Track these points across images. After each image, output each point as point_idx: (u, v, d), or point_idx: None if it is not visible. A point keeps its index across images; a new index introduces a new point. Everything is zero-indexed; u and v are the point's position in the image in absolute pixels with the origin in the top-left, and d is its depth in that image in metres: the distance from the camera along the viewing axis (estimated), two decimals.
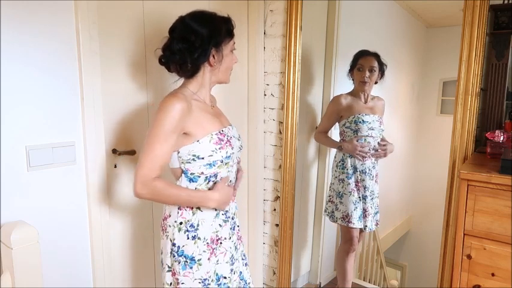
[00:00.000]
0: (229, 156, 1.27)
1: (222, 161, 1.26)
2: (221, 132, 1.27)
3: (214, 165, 1.25)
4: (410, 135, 2.51)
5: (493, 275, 1.33)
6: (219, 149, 1.24)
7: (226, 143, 1.26)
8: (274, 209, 2.22)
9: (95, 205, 1.44)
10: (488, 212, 1.31)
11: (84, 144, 1.39)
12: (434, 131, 2.38)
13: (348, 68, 2.21)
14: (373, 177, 2.19)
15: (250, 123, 2.15)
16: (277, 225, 2.20)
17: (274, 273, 2.27)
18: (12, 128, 1.22)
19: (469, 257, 1.37)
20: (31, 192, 1.28)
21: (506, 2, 1.68)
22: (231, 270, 1.34)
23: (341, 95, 2.21)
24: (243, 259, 1.45)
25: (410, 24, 2.43)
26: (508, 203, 1.27)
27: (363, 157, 2.14)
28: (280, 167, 2.13)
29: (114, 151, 1.55)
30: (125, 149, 1.58)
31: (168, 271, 1.29)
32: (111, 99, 1.50)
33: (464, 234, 1.37)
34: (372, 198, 2.20)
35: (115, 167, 1.56)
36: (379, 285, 2.69)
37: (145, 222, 1.71)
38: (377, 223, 2.26)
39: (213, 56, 1.26)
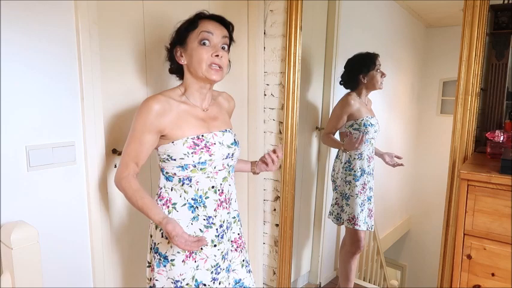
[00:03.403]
0: (204, 162, 1.25)
1: (194, 166, 1.24)
2: (199, 137, 1.25)
3: (186, 169, 1.25)
4: (410, 135, 2.50)
5: (493, 275, 1.33)
6: (192, 153, 1.23)
7: (202, 148, 1.24)
8: (274, 209, 2.21)
9: (95, 205, 1.44)
10: (488, 212, 1.31)
11: (84, 144, 1.39)
12: (434, 131, 2.38)
13: (360, 69, 2.10)
14: (373, 176, 2.20)
15: (250, 123, 2.14)
16: (277, 225, 2.20)
17: (274, 273, 2.27)
18: (12, 128, 1.22)
19: (469, 257, 1.37)
20: (31, 192, 1.28)
21: (506, 2, 1.68)
22: (214, 279, 1.31)
23: (350, 94, 2.16)
24: (246, 266, 1.45)
25: (410, 24, 2.43)
26: (508, 203, 1.27)
27: (359, 145, 2.07)
28: (280, 167, 2.12)
29: (114, 151, 1.55)
30: None
31: (148, 266, 1.34)
32: (111, 99, 1.50)
33: (464, 234, 1.37)
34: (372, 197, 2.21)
35: (115, 167, 1.56)
36: (379, 285, 2.68)
37: (146, 222, 1.71)
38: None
39: (181, 55, 1.30)
